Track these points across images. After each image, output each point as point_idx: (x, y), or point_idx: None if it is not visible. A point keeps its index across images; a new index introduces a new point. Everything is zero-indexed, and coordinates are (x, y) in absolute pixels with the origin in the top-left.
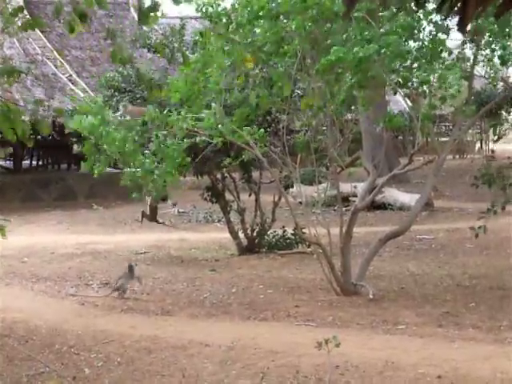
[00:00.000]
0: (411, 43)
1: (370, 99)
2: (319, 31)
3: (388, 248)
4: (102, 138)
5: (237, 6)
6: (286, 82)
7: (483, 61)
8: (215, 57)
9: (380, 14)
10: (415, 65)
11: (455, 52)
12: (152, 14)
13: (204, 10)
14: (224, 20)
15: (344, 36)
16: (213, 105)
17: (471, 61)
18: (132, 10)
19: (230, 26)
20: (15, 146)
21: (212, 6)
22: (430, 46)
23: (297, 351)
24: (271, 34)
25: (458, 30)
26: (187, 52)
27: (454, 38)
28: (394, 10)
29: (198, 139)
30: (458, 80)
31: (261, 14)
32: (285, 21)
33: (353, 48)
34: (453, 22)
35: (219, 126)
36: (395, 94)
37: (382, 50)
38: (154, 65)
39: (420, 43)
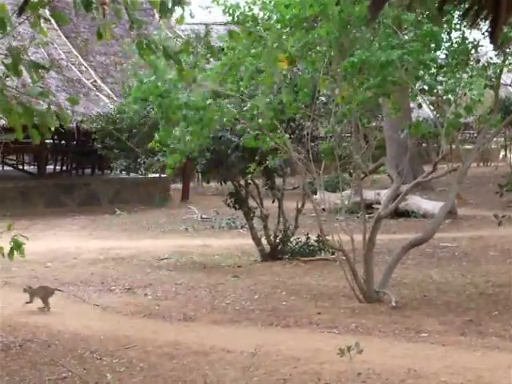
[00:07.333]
0: (437, 52)
1: (398, 104)
2: (346, 38)
3: (411, 256)
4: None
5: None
6: (322, 78)
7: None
8: (242, 58)
9: (404, 17)
10: (440, 74)
11: (482, 60)
12: (176, 8)
13: (231, 11)
14: (251, 23)
15: (369, 41)
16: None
17: (497, 70)
18: (157, 15)
19: (258, 29)
20: (39, 150)
21: (239, 7)
22: (456, 55)
23: (319, 358)
24: (300, 39)
25: (490, 40)
26: (211, 59)
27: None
28: (419, 16)
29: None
30: (482, 89)
31: (288, 21)
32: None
33: (377, 52)
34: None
35: (260, 120)
36: (420, 107)
37: (405, 57)
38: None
39: (445, 51)
